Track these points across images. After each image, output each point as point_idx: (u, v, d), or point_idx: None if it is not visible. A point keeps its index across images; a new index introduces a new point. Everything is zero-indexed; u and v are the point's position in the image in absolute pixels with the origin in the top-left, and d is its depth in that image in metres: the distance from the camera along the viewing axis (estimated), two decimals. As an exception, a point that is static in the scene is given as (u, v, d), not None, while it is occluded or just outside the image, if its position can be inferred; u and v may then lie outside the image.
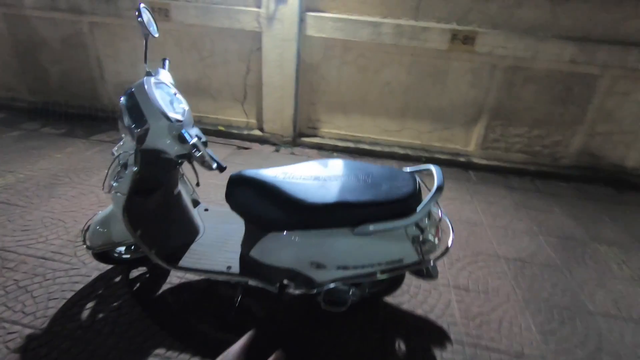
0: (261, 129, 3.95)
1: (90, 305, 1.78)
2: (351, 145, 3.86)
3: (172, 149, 1.40)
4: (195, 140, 1.36)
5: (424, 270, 1.65)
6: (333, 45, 3.54)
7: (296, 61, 3.52)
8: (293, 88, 3.63)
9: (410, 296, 2.00)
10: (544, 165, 3.72)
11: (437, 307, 1.95)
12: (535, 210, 3.05)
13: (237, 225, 1.93)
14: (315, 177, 1.54)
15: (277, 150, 3.84)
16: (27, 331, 1.61)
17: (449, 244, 1.50)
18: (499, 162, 3.74)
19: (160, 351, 1.58)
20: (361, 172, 1.55)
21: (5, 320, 1.66)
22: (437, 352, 1.69)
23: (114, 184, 1.53)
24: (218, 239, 1.86)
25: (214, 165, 1.36)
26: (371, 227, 1.38)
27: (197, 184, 1.47)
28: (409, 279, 2.10)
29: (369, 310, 1.87)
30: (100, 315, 1.73)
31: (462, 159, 3.75)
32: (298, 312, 1.85)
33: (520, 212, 3.01)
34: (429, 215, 1.49)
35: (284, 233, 1.48)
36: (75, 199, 2.64)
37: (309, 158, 3.70)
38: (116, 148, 1.59)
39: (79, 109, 4.19)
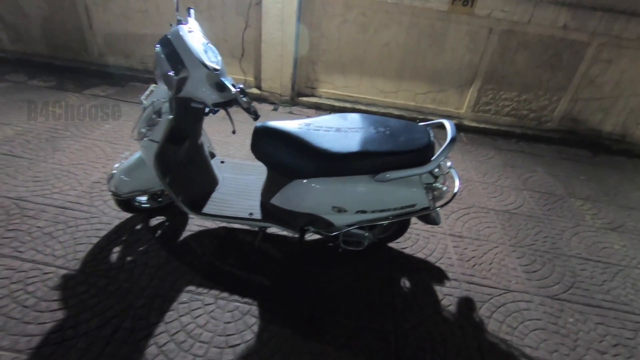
0: (259, 87, 3.94)
1: (117, 249, 1.88)
2: (348, 105, 3.93)
3: (210, 97, 1.45)
4: (237, 89, 1.42)
5: (430, 216, 1.83)
6: (335, 2, 3.50)
7: (297, 18, 3.48)
8: (293, 46, 3.61)
9: (412, 242, 2.21)
10: (529, 129, 3.94)
11: (436, 251, 2.17)
12: (520, 169, 3.29)
13: (253, 176, 2.04)
14: (337, 129, 1.64)
15: (275, 109, 3.87)
16: (62, 272, 1.71)
17: (456, 191, 1.67)
18: (488, 125, 3.93)
19: (191, 288, 1.72)
20: (380, 125, 1.66)
21: (38, 262, 1.74)
22: (437, 288, 1.92)
23: (144, 131, 1.58)
24: (237, 189, 1.97)
25: (254, 112, 1.44)
26: (390, 175, 1.52)
27: (233, 132, 1.55)
28: (410, 228, 2.30)
29: (375, 255, 2.07)
30: (129, 259, 1.84)
31: (454, 121, 3.90)
32: (313, 254, 2.02)
33: (507, 170, 3.24)
34: (440, 165, 1.64)
35: (309, 180, 1.60)
36: (81, 152, 2.64)
37: (307, 117, 3.76)
38: (144, 97, 1.62)
39: (66, 62, 4.00)
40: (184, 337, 1.51)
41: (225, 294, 1.71)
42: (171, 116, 1.50)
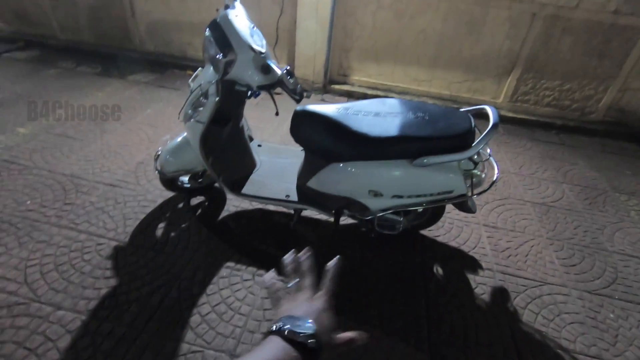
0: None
1: (161, 225, 2.00)
2: (380, 93, 3.90)
3: (255, 79, 1.50)
4: (283, 71, 1.47)
5: (466, 204, 1.82)
6: (370, -13, 3.46)
7: (332, 4, 3.47)
8: (327, 33, 3.61)
9: (445, 231, 2.20)
10: (571, 120, 3.77)
11: (470, 241, 2.15)
12: (559, 162, 3.17)
13: (290, 160, 2.09)
14: (376, 113, 1.65)
15: (307, 97, 3.89)
16: (113, 243, 1.85)
17: (495, 179, 1.64)
18: (527, 116, 3.79)
19: (230, 264, 1.81)
20: (419, 110, 1.66)
21: (92, 233, 1.89)
22: (471, 276, 1.91)
23: (191, 113, 1.66)
24: (274, 171, 2.03)
25: (299, 94, 1.48)
26: (429, 160, 1.52)
27: (277, 114, 1.60)
28: (443, 216, 2.29)
29: (408, 241, 2.08)
30: (173, 234, 1.95)
31: (490, 111, 3.79)
32: (347, 238, 2.06)
33: (545, 162, 3.13)
34: (480, 152, 1.62)
35: (346, 164, 1.63)
36: (126, 134, 2.79)
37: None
38: (191, 80, 1.69)
39: (110, 49, 4.20)
40: (224, 308, 1.60)
41: (262, 272, 1.79)
42: (217, 98, 1.56)
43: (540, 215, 2.45)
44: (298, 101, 1.54)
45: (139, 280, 1.67)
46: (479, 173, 1.62)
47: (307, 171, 1.81)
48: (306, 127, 1.67)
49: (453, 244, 2.12)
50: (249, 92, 1.66)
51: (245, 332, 1.51)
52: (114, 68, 3.95)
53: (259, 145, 2.20)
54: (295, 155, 2.12)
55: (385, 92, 3.92)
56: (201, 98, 1.61)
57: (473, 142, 1.54)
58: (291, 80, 1.49)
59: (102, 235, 1.88)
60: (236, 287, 1.70)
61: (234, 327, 1.53)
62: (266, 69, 1.47)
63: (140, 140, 2.73)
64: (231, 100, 1.65)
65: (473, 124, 1.58)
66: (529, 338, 1.63)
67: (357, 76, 3.97)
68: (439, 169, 1.57)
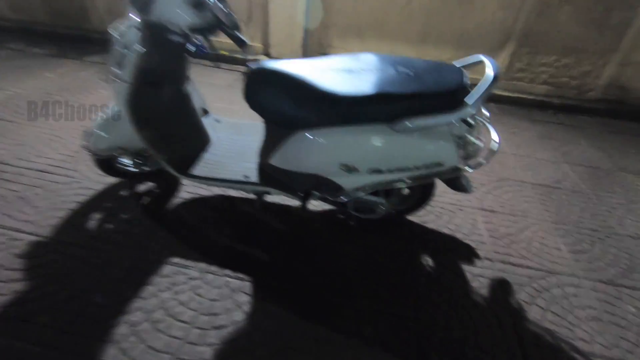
0: (267, 54, 3.65)
1: (97, 216, 1.66)
2: (365, 74, 3.58)
3: (185, 19, 1.18)
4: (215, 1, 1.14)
5: (459, 181, 1.52)
6: (350, -46, 3.14)
7: (308, -27, 3.14)
8: (304, 7, 3.28)
9: (435, 216, 1.90)
10: (569, 99, 3.50)
11: (464, 227, 1.85)
12: (559, 142, 2.90)
13: (252, 137, 1.77)
14: (348, 70, 1.34)
15: (216, 66, 3.56)
16: (32, 238, 1.51)
17: (495, 149, 1.34)
18: (522, 94, 3.52)
19: (177, 260, 1.48)
20: (401, 65, 1.35)
21: (8, 227, 1.54)
22: (466, 267, 1.62)
23: (115, 72, 1.32)
24: (232, 150, 1.71)
25: (239, 36, 1.16)
26: (413, 123, 1.21)
27: (217, 65, 1.28)
28: (433, 201, 1.99)
29: (394, 228, 1.78)
30: (111, 226, 1.62)
31: (483, 91, 3.51)
32: (322, 228, 1.75)
33: (544, 142, 2.86)
34: (476, 114, 1.32)
35: (312, 132, 1.32)
36: (73, 117, 2.44)
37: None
38: (114, 30, 1.36)
39: (67, 29, 3.81)
40: (161, 315, 1.27)
41: (214, 268, 1.47)
42: (141, 48, 1.23)
43: (542, 198, 2.16)
44: (243, 46, 1.22)
45: (57, 283, 1.33)
46: (474, 141, 1.32)
47: (268, 146, 1.49)
48: (263, 89, 1.34)
49: (445, 230, 1.82)
50: (188, 45, 1.34)
51: (186, 344, 1.19)
52: (70, 49, 3.57)
53: (217, 121, 1.87)
54: (257, 130, 1.80)
55: (369, 72, 3.61)
56: (124, 49, 1.27)
57: (468, 99, 1.23)
58: (229, 21, 1.16)
59: (19, 229, 1.54)
60: (180, 288, 1.37)
61: (171, 338, 1.21)
62: (198, 5, 1.15)
63: (89, 123, 2.38)
64: (165, 54, 1.32)
65: (466, 79, 1.28)
66: (538, 340, 1.34)
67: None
68: (426, 135, 1.26)
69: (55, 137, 2.19)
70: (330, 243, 1.66)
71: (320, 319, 1.32)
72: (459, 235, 1.80)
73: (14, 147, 2.06)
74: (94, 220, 1.64)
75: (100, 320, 1.23)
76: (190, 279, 1.41)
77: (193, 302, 1.33)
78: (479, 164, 1.35)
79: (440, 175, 1.38)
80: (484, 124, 1.36)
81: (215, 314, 1.30)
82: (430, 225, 1.83)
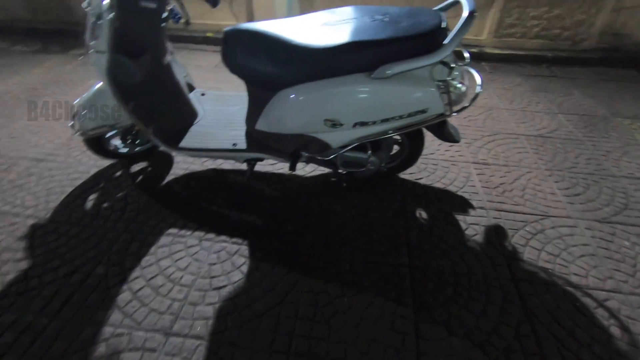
0: (253, 32, 3.59)
1: (93, 197, 1.69)
2: (353, 43, 3.53)
3: None
4: None
5: (446, 129, 1.51)
6: None
7: (285, -58, 3.06)
8: (284, -23, 3.21)
9: (429, 172, 1.90)
10: (562, 51, 3.43)
11: (457, 180, 1.86)
12: (553, 94, 2.86)
13: (238, 107, 1.77)
14: (324, 23, 1.32)
15: (187, 25, 3.51)
16: (31, 221, 1.54)
17: (478, 91, 1.33)
18: (514, 51, 3.45)
19: (173, 231, 1.51)
20: (377, 13, 1.33)
21: (6, 213, 1.57)
22: (460, 217, 1.63)
23: (91, 43, 1.31)
24: (219, 120, 1.71)
25: None
26: (392, 69, 1.20)
27: (187, 22, 1.27)
28: (425, 158, 1.99)
29: (385, 187, 1.79)
30: (105, 205, 1.64)
31: (474, 50, 3.45)
32: (313, 190, 1.76)
33: (537, 95, 2.82)
34: (455, 55, 1.30)
35: (292, 90, 1.31)
36: (61, 108, 2.44)
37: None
38: (86, 2, 1.34)
39: (49, 24, 3.78)
40: (162, 281, 1.31)
41: (211, 235, 1.49)
42: (112, 14, 1.22)
43: (536, 148, 2.15)
44: (213, 6, 1.21)
45: (57, 260, 1.37)
46: (457, 85, 1.31)
47: (253, 110, 1.49)
48: (240, 50, 1.33)
49: (438, 185, 1.82)
50: (161, 12, 1.32)
51: (186, 305, 1.23)
52: (54, 44, 3.55)
53: (203, 95, 1.87)
54: (244, 101, 1.79)
55: (357, 41, 3.55)
56: (97, 20, 1.26)
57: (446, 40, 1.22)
58: None
59: (17, 213, 1.57)
60: (178, 256, 1.40)
61: (172, 300, 1.24)
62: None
63: (77, 112, 2.38)
64: (138, 20, 1.30)
65: (444, 20, 1.26)
66: (532, 277, 1.36)
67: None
68: (407, 81, 1.25)
69: (48, 128, 2.20)
70: (322, 205, 1.67)
71: (315, 274, 1.35)
72: (452, 189, 1.80)
73: (6, 140, 2.08)
74: (90, 200, 1.66)
75: (102, 290, 1.27)
76: (188, 246, 1.44)
77: (192, 267, 1.36)
78: (463, 108, 1.35)
79: (425, 123, 1.37)
80: (465, 67, 1.35)
81: (214, 277, 1.33)
82: (423, 181, 1.84)
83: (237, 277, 1.33)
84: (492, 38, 3.47)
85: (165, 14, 1.32)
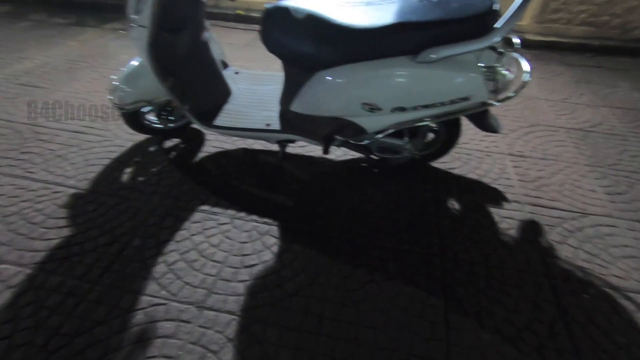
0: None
1: (129, 170, 1.73)
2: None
3: None
4: None
5: (487, 119, 1.46)
6: None
7: None
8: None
9: (462, 162, 1.85)
10: (610, 39, 3.22)
11: (492, 172, 1.80)
12: (597, 85, 2.70)
13: (273, 86, 1.76)
14: (367, 2, 1.28)
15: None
16: (72, 191, 1.60)
17: (526, 79, 1.27)
18: (557, 38, 3.26)
19: (206, 207, 1.54)
20: (424, -6, 1.27)
21: (49, 182, 1.64)
22: (494, 210, 1.59)
23: (134, 18, 1.32)
24: (253, 99, 1.71)
25: None
26: (437, 53, 1.16)
27: None
28: (459, 148, 1.94)
29: (417, 174, 1.76)
30: (141, 179, 1.69)
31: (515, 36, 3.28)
32: (345, 175, 1.75)
33: (580, 87, 2.67)
34: (506, 40, 1.24)
35: (331, 72, 1.29)
36: (97, 81, 2.50)
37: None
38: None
39: (85, -2, 3.83)
40: (195, 256, 1.34)
41: (242, 214, 1.51)
42: (157, -11, 1.22)
43: (577, 142, 2.06)
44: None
45: (97, 229, 1.42)
46: (504, 72, 1.25)
47: (289, 91, 1.48)
48: (280, 28, 1.31)
49: (472, 176, 1.78)
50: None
51: (219, 280, 1.26)
52: (89, 18, 3.60)
53: (236, 73, 1.86)
54: (279, 81, 1.77)
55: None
56: (138, -5, 1.26)
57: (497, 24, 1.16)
58: None
59: (59, 183, 1.64)
60: (211, 232, 1.43)
61: (205, 275, 1.28)
62: None
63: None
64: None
65: (496, 2, 1.19)
66: (568, 275, 1.32)
67: None
68: (452, 67, 1.21)
69: (85, 100, 2.26)
70: (354, 189, 1.66)
71: (345, 258, 1.35)
72: (486, 180, 1.75)
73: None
74: (126, 173, 1.71)
75: (139, 260, 1.32)
76: (220, 224, 1.47)
77: (224, 244, 1.39)
78: (508, 97, 1.29)
79: (466, 111, 1.33)
80: (513, 54, 1.28)
81: (245, 255, 1.35)
82: (457, 171, 1.79)
83: (268, 256, 1.35)
84: (534, 24, 3.28)
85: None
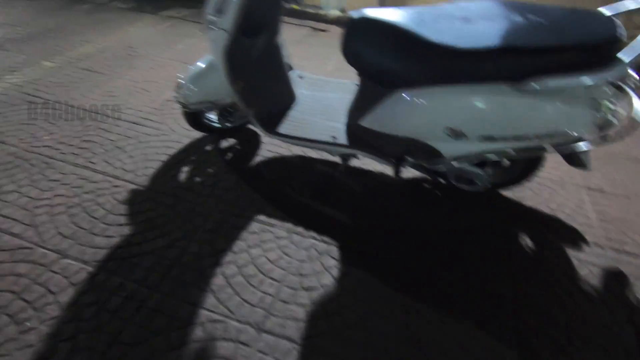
0: (342, 9, 3.42)
1: (185, 169, 1.71)
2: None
3: None
4: None
5: (578, 155, 1.32)
6: None
7: None
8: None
9: (533, 192, 1.71)
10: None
11: (567, 207, 1.65)
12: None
13: (337, 94, 1.68)
14: (465, 18, 1.16)
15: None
16: (131, 186, 1.59)
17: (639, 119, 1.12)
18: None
19: (262, 217, 1.49)
20: (531, 12, 1.14)
21: (109, 174, 1.64)
22: (571, 252, 1.45)
23: (213, 17, 1.26)
24: (317, 108, 1.64)
25: None
26: (546, 84, 1.03)
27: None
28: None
29: (485, 201, 1.64)
30: (197, 179, 1.66)
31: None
32: (406, 194, 1.66)
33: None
34: (627, 74, 1.09)
35: (417, 91, 1.19)
36: (154, 70, 2.51)
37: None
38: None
39: (144, -17, 3.86)
40: (252, 270, 1.30)
41: (299, 229, 1.45)
42: (244, -6, 1.15)
43: (664, 179, 1.86)
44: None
45: (156, 230, 1.41)
46: (617, 108, 1.11)
47: (361, 105, 1.39)
48: (364, 40, 1.22)
49: (545, 209, 1.64)
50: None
51: (277, 301, 1.21)
52: (146, 3, 3.64)
53: (300, 77, 1.79)
54: (343, 89, 1.70)
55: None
56: (223, -4, 1.20)
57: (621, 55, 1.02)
58: None
59: (119, 176, 1.64)
60: (268, 246, 1.38)
61: (263, 294, 1.23)
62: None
63: (169, 76, 2.43)
64: (262, 1, 1.23)
65: (621, 29, 1.05)
66: (661, 341, 1.18)
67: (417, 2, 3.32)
68: (558, 98, 1.08)
69: (142, 90, 2.27)
70: (416, 211, 1.57)
71: (409, 289, 1.27)
72: (561, 216, 1.61)
73: (107, 98, 2.17)
74: (183, 172, 1.69)
75: (197, 269, 1.29)
76: (277, 237, 1.42)
77: (282, 261, 1.33)
78: (615, 138, 1.15)
79: (562, 147, 1.19)
80: (628, 89, 1.14)
81: (303, 275, 1.29)
82: (528, 203, 1.65)
83: (327, 279, 1.28)
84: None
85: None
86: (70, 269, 1.25)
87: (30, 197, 1.50)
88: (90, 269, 1.26)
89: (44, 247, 1.31)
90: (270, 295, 1.23)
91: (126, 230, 1.40)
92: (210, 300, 1.20)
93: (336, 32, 3.35)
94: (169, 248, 1.35)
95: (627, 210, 1.66)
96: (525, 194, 1.70)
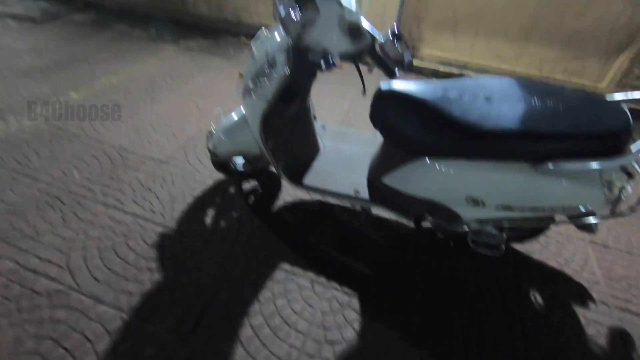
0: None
1: (211, 212, 1.79)
2: (454, 70, 3.39)
3: (338, 45, 1.17)
4: (381, 35, 1.13)
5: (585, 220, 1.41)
6: (457, -59, 2.90)
7: (409, -38, 2.97)
8: (399, -3, 3.13)
9: (542, 246, 1.79)
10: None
11: (574, 262, 1.73)
12: (682, 166, 2.55)
13: (359, 147, 1.77)
14: (487, 97, 1.26)
15: (370, 71, 3.47)
16: (159, 229, 1.66)
17: (646, 196, 1.21)
18: (637, 105, 3.12)
19: (286, 266, 1.56)
20: (548, 96, 1.24)
21: (138, 216, 1.71)
22: (579, 310, 1.52)
23: (252, 86, 1.36)
24: (340, 160, 1.72)
25: (389, 67, 1.14)
26: (562, 166, 1.13)
27: (364, 92, 1.28)
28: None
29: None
30: (222, 224, 1.73)
31: (589, 97, 3.17)
32: (421, 246, 1.73)
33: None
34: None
35: (441, 161, 1.28)
36: (176, 104, 2.60)
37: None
38: (255, 44, 1.38)
39: (163, 12, 4.01)
40: (279, 322, 1.36)
41: (322, 279, 1.52)
42: (288, 70, 1.25)
43: (664, 235, 1.94)
44: (392, 76, 1.19)
45: (185, 277, 1.47)
46: (622, 185, 1.20)
47: (384, 164, 1.48)
48: (392, 111, 1.32)
49: (553, 263, 1.71)
50: (324, 63, 1.33)
51: (303, 355, 1.27)
52: (167, 32, 3.77)
53: (324, 128, 1.88)
54: (365, 141, 1.79)
55: (459, 68, 3.41)
56: (266, 68, 1.30)
57: (628, 144, 1.12)
58: (394, 47, 1.13)
59: (148, 218, 1.71)
60: (292, 296, 1.45)
61: (290, 348, 1.29)
62: (356, 32, 1.13)
63: (190, 111, 2.53)
64: (301, 72, 1.33)
65: (631, 120, 1.15)
66: (666, 406, 1.25)
67: (429, 49, 3.47)
68: (573, 178, 1.17)
69: (166, 125, 2.35)
70: (430, 261, 1.64)
71: (427, 345, 1.33)
72: (568, 271, 1.69)
73: (132, 134, 2.26)
74: (208, 215, 1.76)
75: (226, 317, 1.35)
76: (301, 287, 1.48)
77: (306, 313, 1.40)
78: (623, 214, 1.24)
79: (575, 218, 1.28)
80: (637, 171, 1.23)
81: (327, 328, 1.36)
82: (537, 257, 1.73)
83: (350, 333, 1.35)
84: (613, 87, 3.15)
85: (323, 63, 1.31)
86: (105, 316, 1.31)
87: (64, 238, 1.57)
88: (124, 316, 1.32)
89: (79, 292, 1.38)
90: (296, 348, 1.29)
91: (157, 276, 1.47)
92: (240, 353, 1.26)
93: (348, 69, 3.48)
94: (199, 295, 1.41)
95: (631, 267, 1.74)
96: (533, 247, 1.78)
